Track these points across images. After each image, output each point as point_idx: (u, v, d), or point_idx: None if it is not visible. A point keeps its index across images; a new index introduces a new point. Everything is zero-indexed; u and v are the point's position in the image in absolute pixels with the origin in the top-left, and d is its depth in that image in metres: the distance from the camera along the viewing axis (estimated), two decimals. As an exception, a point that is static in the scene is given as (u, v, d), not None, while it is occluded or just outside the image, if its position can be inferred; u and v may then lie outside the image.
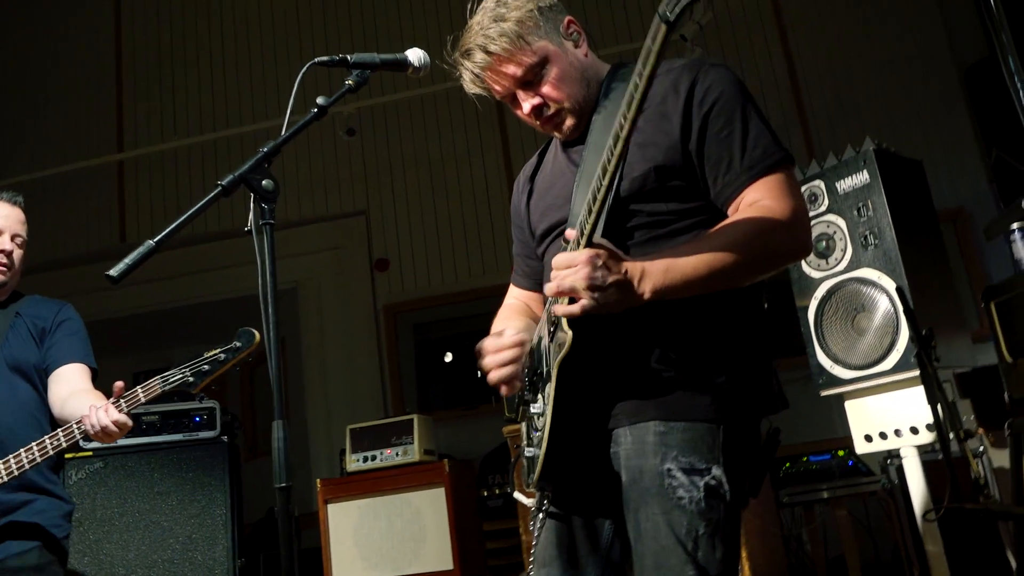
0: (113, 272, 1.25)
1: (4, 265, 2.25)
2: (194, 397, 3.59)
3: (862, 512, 3.64)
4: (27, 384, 2.26)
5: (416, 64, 1.69)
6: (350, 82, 1.60)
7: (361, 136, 5.29)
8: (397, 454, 3.34)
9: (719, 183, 1.45)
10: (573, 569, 1.54)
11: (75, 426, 2.03)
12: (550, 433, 1.47)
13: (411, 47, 1.69)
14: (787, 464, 3.61)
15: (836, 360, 2.72)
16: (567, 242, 1.47)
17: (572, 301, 1.35)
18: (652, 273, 1.34)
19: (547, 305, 1.54)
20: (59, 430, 2.06)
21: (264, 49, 5.68)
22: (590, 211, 1.35)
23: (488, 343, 1.58)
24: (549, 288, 1.35)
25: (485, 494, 4.09)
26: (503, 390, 1.58)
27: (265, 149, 1.43)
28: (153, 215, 5.58)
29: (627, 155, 1.43)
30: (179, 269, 5.39)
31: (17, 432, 2.12)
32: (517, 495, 1.67)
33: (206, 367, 2.01)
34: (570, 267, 1.31)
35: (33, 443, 2.08)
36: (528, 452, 1.56)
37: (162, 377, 2.01)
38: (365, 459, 3.38)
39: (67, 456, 3.33)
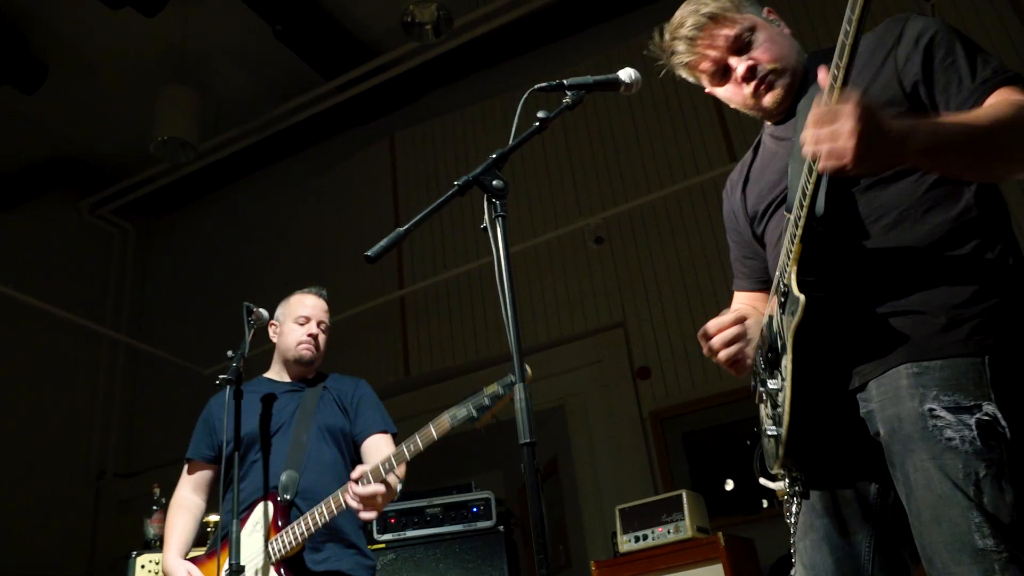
0: (370, 252, 1.43)
1: (313, 346, 2.63)
2: (470, 488, 3.81)
3: None
4: (335, 448, 2.56)
5: (627, 82, 1.80)
6: (567, 100, 1.74)
7: (611, 246, 5.49)
8: (669, 532, 3.24)
9: (952, 103, 1.39)
10: (843, 537, 1.42)
11: (339, 492, 2.27)
12: (791, 407, 1.41)
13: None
14: None
15: None
16: (788, 211, 1.47)
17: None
18: (919, 130, 1.26)
19: (775, 280, 1.52)
20: (338, 491, 2.29)
21: (528, 175, 6.16)
22: (810, 171, 1.35)
23: (711, 324, 1.58)
24: (807, 136, 1.24)
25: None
26: (733, 371, 1.55)
27: (494, 155, 1.59)
28: (432, 347, 6.07)
29: None
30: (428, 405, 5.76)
31: (322, 489, 2.38)
32: (762, 481, 1.58)
33: (487, 401, 2.16)
34: (833, 120, 1.21)
35: (327, 499, 2.32)
36: (770, 431, 1.50)
37: (450, 414, 2.19)
38: (636, 539, 3.31)
39: (364, 549, 3.60)
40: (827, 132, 1.21)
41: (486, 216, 1.55)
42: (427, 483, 6.66)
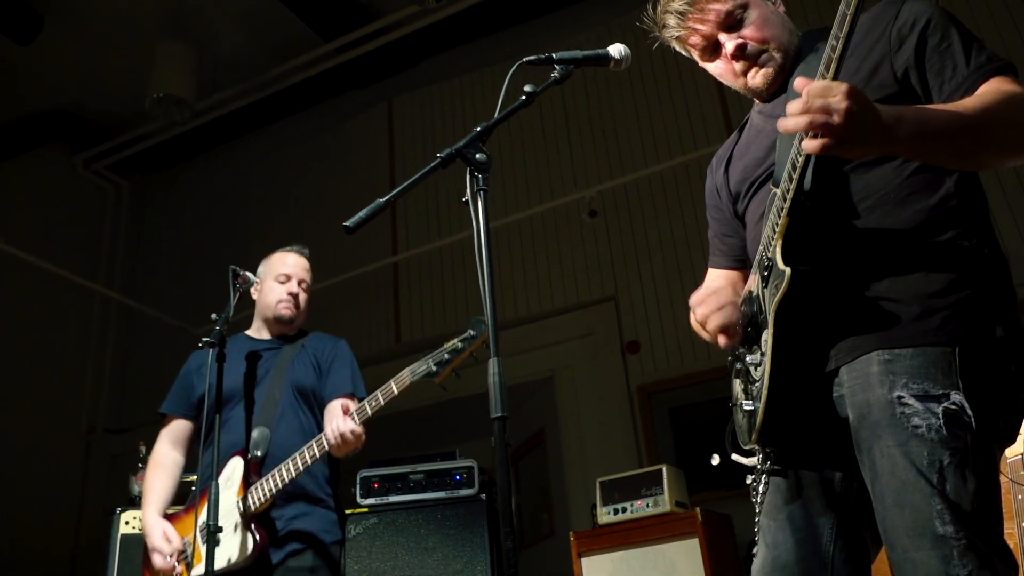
0: (349, 223, 1.43)
1: (293, 304, 2.64)
2: (454, 456, 3.84)
3: None
4: (308, 409, 2.57)
5: (617, 57, 1.79)
6: (555, 75, 1.73)
7: (605, 219, 5.48)
8: (648, 505, 3.27)
9: (945, 88, 1.39)
10: (806, 519, 1.44)
11: (315, 441, 2.28)
12: (770, 382, 1.42)
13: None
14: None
15: None
16: (775, 185, 1.47)
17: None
18: (907, 118, 1.27)
19: (758, 254, 1.52)
20: (312, 441, 2.31)
21: (526, 147, 6.13)
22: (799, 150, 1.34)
23: (696, 295, 1.58)
24: (793, 107, 1.23)
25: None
26: (722, 340, 1.55)
27: (479, 128, 1.58)
28: (424, 314, 6.08)
29: None
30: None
31: (292, 446, 2.40)
32: (735, 457, 1.60)
33: (446, 356, 2.19)
34: (827, 95, 1.21)
35: (294, 456, 2.34)
36: (747, 406, 1.51)
37: (410, 369, 2.21)
38: (616, 511, 3.35)
39: (347, 512, 3.63)
40: (819, 104, 1.20)
41: (468, 189, 1.54)
42: (415, 450, 6.73)
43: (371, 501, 3.64)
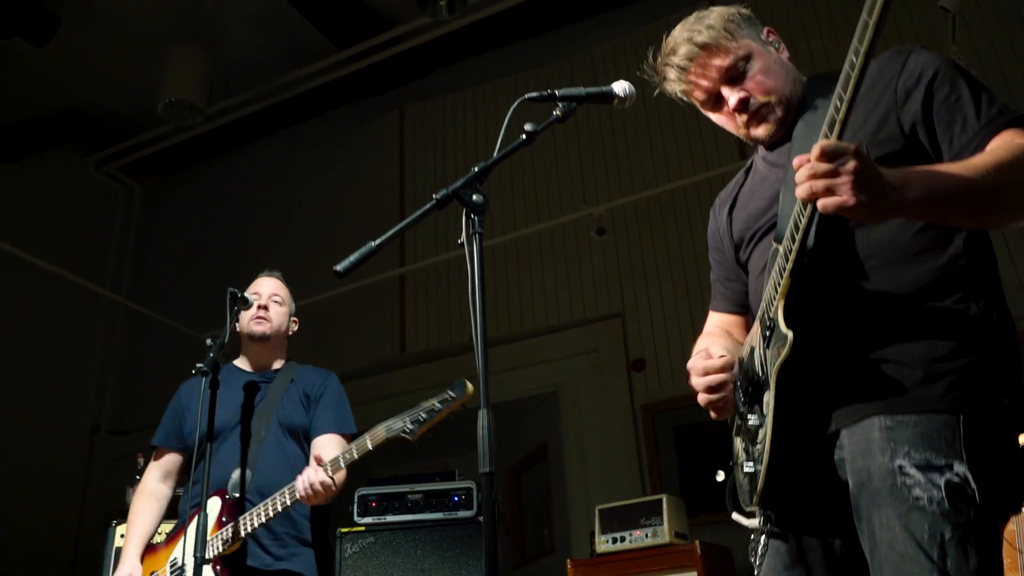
0: (339, 267, 1.40)
1: (262, 318, 2.61)
2: (454, 476, 3.80)
3: None
4: (295, 444, 2.54)
5: (621, 95, 1.77)
6: (557, 112, 1.70)
7: (614, 236, 5.44)
8: (647, 535, 3.23)
9: (956, 143, 1.35)
10: None
11: (288, 489, 2.26)
12: (771, 444, 1.39)
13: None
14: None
15: None
16: (778, 241, 1.44)
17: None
18: (915, 181, 1.23)
19: (760, 312, 1.48)
20: (285, 488, 2.28)
21: (536, 162, 6.10)
22: (804, 203, 1.30)
23: (696, 364, 1.54)
24: (801, 173, 1.21)
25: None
26: (713, 414, 1.53)
27: (476, 168, 1.55)
28: (429, 325, 6.06)
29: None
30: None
31: (275, 487, 2.37)
32: (736, 516, 1.56)
33: (423, 416, 2.16)
34: (838, 155, 1.17)
35: (266, 503, 2.31)
36: (748, 468, 1.47)
37: (385, 426, 2.19)
38: (614, 540, 3.31)
39: (343, 531, 3.60)
40: (825, 169, 1.17)
41: (463, 232, 1.51)
42: (417, 460, 6.71)
43: (368, 520, 3.61)
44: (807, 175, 1.19)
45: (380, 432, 2.21)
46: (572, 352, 5.79)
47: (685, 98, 1.66)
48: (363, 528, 3.64)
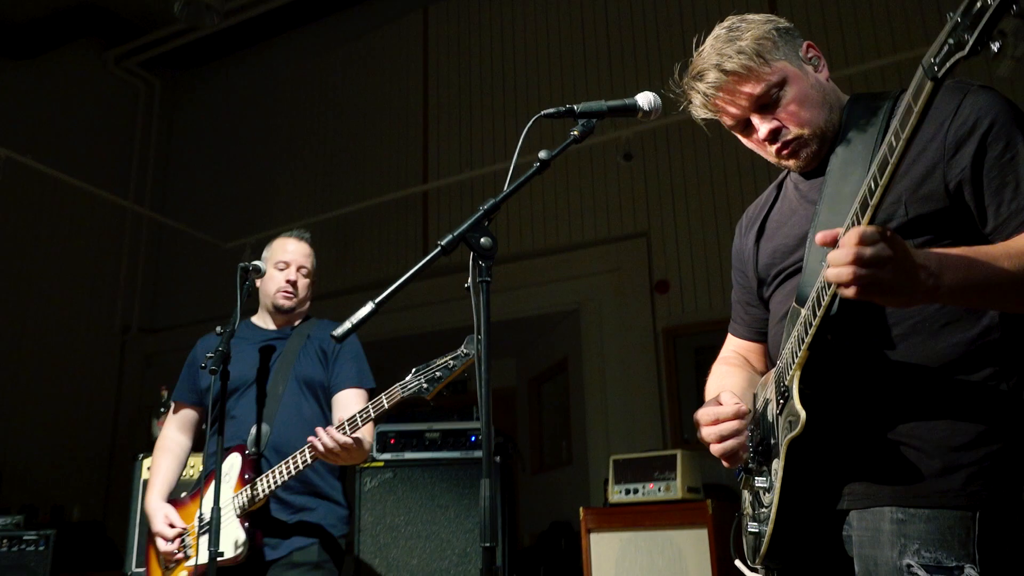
0: (336, 333, 1.34)
1: (290, 293, 2.58)
2: (472, 415, 3.85)
3: None
4: (314, 401, 2.55)
5: (646, 108, 1.64)
6: (575, 132, 1.59)
7: (643, 158, 5.28)
8: (659, 489, 3.27)
9: (1004, 209, 1.25)
10: None
11: (308, 447, 2.26)
12: (778, 513, 1.35)
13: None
14: None
15: None
16: (800, 304, 1.35)
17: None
18: (952, 267, 1.14)
19: (777, 371, 1.41)
20: (305, 447, 2.29)
21: (547, 92, 5.88)
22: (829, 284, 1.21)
23: (704, 414, 1.48)
24: (835, 256, 1.12)
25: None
26: (724, 463, 1.48)
27: (484, 207, 1.46)
28: (451, 240, 6.01)
29: None
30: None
31: (294, 443, 2.38)
32: (738, 564, 1.55)
33: (438, 374, 2.14)
34: (870, 243, 1.09)
35: (287, 460, 2.33)
36: (752, 528, 1.45)
37: (401, 385, 2.17)
38: (627, 491, 3.36)
39: (363, 465, 3.68)
40: (855, 256, 1.08)
41: (469, 278, 1.44)
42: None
43: (387, 456, 3.68)
44: (837, 262, 1.10)
45: (396, 392, 2.20)
46: (595, 270, 5.74)
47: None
48: (382, 463, 3.72)
